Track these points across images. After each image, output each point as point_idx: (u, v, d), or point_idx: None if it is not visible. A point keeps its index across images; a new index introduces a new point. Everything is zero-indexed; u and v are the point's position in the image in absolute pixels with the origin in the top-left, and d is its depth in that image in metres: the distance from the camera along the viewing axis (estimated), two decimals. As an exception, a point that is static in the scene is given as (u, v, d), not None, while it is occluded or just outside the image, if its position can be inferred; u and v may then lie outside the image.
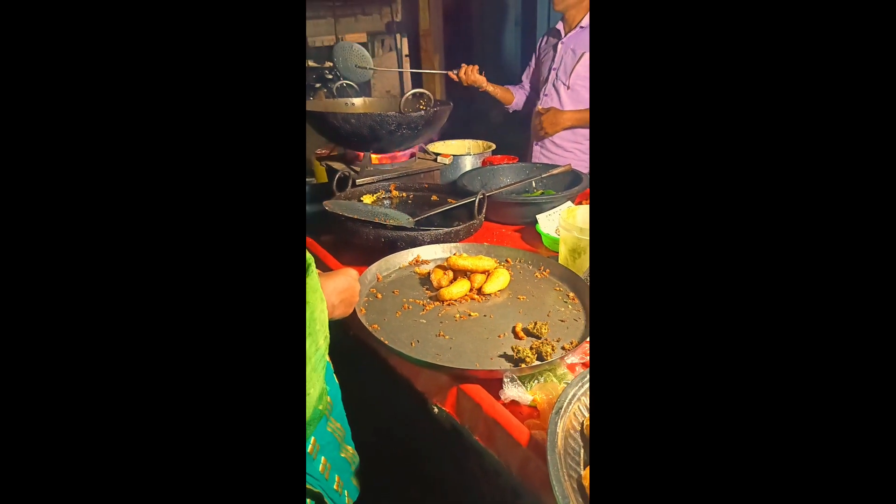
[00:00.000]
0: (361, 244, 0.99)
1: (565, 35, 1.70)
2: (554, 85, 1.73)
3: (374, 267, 0.91)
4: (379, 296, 0.86)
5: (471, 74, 1.70)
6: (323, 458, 0.59)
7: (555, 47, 1.72)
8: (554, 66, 1.73)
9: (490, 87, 1.78)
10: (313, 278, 0.53)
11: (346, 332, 1.10)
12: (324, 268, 1.05)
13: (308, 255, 0.55)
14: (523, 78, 1.93)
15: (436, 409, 0.71)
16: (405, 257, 0.97)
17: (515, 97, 1.90)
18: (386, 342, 0.71)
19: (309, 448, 0.57)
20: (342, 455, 0.65)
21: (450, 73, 1.71)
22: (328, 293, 0.61)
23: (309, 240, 1.14)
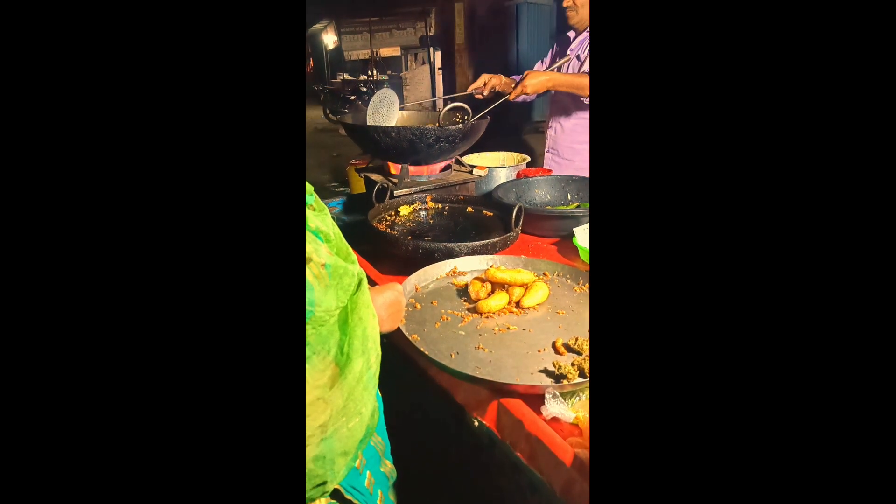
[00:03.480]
0: (400, 254, 1.00)
1: (573, 41, 1.69)
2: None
3: (413, 277, 0.92)
4: (418, 306, 0.86)
5: (489, 83, 1.59)
6: (368, 472, 0.59)
7: (561, 55, 1.71)
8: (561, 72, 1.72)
9: (499, 86, 1.63)
10: (364, 294, 0.54)
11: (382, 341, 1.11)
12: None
13: (360, 270, 0.56)
14: (535, 69, 1.84)
15: (476, 423, 0.70)
16: (443, 268, 0.98)
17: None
18: (426, 353, 0.71)
19: (356, 463, 0.58)
20: (381, 469, 0.65)
21: (475, 94, 1.59)
22: (378, 307, 0.61)
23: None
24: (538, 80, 1.47)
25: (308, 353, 0.47)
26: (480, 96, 1.62)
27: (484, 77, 1.61)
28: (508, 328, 0.80)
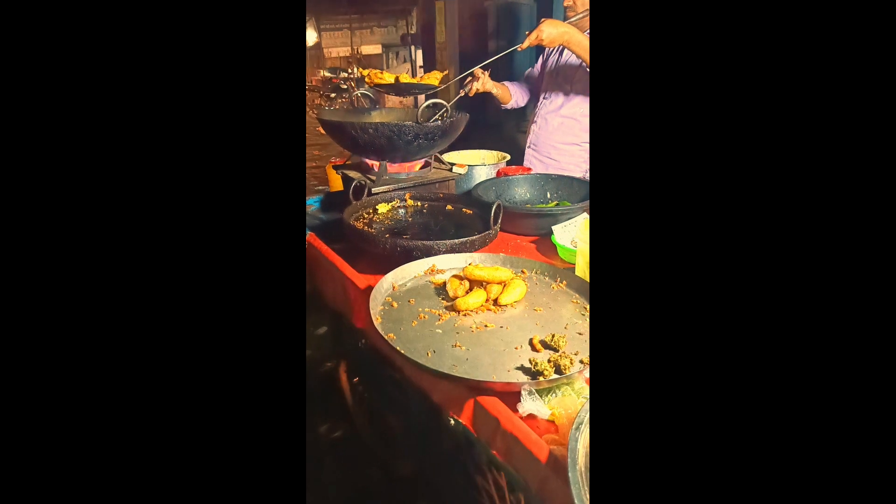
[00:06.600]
0: (377, 252, 0.99)
1: None
2: (556, 82, 1.70)
3: (389, 276, 0.91)
4: (395, 305, 0.85)
5: (486, 82, 1.59)
6: None
7: (560, 52, 1.69)
8: (557, 67, 1.69)
9: (493, 89, 1.68)
10: None
11: (359, 341, 1.09)
12: (340, 276, 1.05)
13: None
14: (523, 78, 1.85)
15: (452, 422, 0.70)
16: (421, 266, 0.96)
17: (513, 96, 1.81)
18: (402, 352, 0.70)
19: None
20: None
21: (461, 90, 1.56)
22: None
23: (325, 248, 1.14)
24: (557, 29, 1.37)
25: None
26: (472, 93, 1.56)
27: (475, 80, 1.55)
28: (486, 326, 0.79)
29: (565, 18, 1.54)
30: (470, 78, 1.57)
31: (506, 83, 1.81)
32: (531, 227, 1.22)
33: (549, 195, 1.40)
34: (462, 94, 1.54)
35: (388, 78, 1.41)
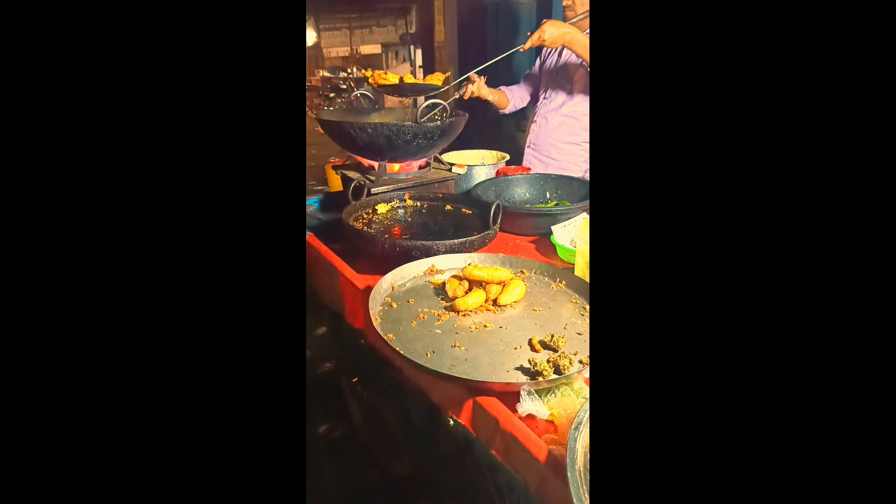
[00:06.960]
0: (376, 252, 0.99)
1: None
2: (556, 81, 1.70)
3: (388, 276, 0.91)
4: (394, 305, 0.85)
5: (481, 87, 1.63)
6: None
7: (560, 51, 1.69)
8: (557, 66, 1.70)
9: (490, 96, 1.70)
10: None
11: (358, 341, 1.09)
12: (339, 276, 1.05)
13: None
14: (522, 79, 1.86)
15: (451, 422, 0.70)
16: (420, 266, 0.97)
17: (511, 100, 1.82)
18: (401, 352, 0.70)
19: None
20: None
21: (456, 92, 1.59)
22: None
23: (324, 248, 1.14)
24: (559, 29, 1.39)
25: None
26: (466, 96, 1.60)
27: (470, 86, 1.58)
28: (485, 326, 0.79)
29: (564, 19, 1.55)
30: (466, 82, 1.58)
31: (503, 88, 1.82)
32: (531, 227, 1.22)
33: (548, 195, 1.40)
34: (456, 97, 1.56)
35: (392, 78, 1.41)
